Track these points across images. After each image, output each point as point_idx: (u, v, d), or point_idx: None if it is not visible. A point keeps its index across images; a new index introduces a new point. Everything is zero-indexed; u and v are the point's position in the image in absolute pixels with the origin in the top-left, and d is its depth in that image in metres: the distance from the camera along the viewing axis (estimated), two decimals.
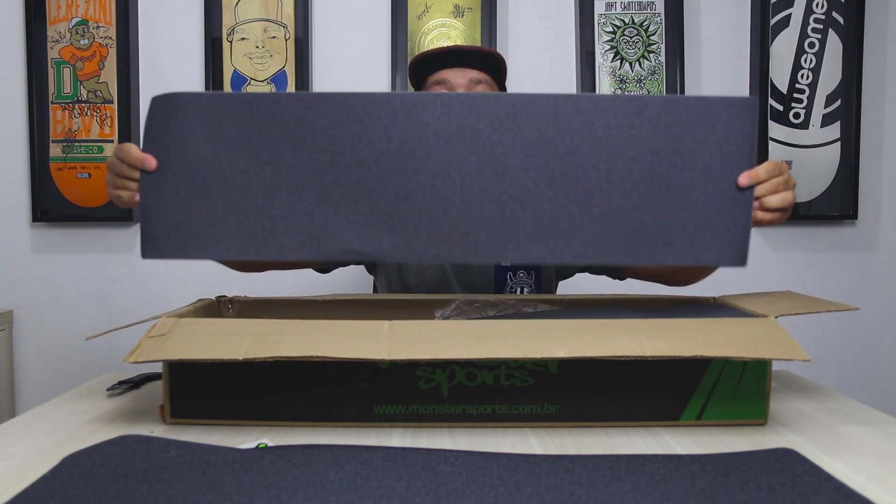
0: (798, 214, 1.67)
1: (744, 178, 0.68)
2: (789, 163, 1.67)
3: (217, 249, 0.69)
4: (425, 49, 1.64)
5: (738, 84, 1.69)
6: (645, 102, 0.68)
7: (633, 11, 1.67)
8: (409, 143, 0.68)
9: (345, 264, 1.10)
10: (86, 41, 1.62)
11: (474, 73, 1.03)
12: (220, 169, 0.69)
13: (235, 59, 1.65)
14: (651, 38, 1.67)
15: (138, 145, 0.70)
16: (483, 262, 0.70)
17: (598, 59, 1.67)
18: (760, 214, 0.70)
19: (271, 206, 0.69)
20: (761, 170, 0.68)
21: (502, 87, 1.09)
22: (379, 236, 0.69)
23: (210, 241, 0.69)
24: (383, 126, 0.68)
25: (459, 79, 1.03)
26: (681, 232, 0.69)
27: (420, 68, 1.06)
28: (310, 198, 0.69)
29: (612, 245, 0.69)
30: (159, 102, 0.69)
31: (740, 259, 0.70)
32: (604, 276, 1.09)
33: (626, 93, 1.67)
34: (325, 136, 0.68)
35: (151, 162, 0.69)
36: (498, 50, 1.65)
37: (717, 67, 1.70)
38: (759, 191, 0.69)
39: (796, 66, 1.67)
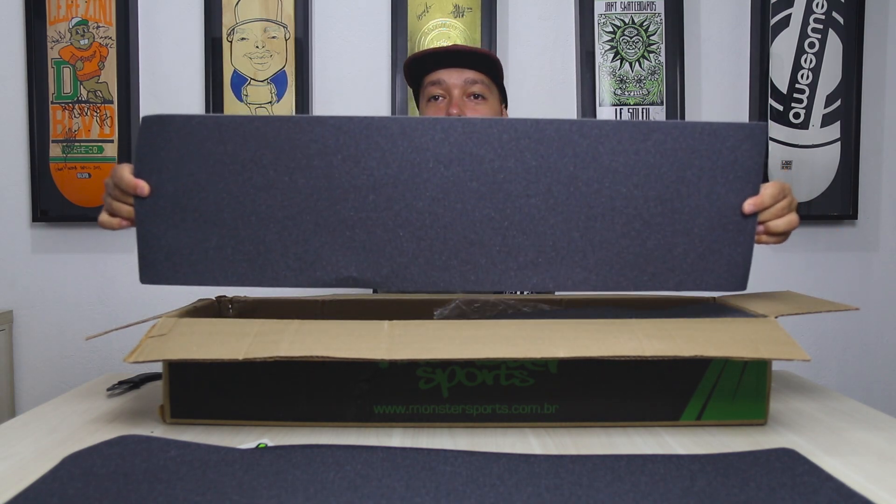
0: (798, 214, 1.67)
1: (749, 206, 0.67)
2: (789, 163, 1.67)
3: (214, 276, 0.69)
4: (424, 49, 1.64)
5: (738, 84, 1.69)
6: (651, 128, 0.67)
7: (633, 11, 1.67)
8: (407, 168, 0.67)
9: None
10: (86, 41, 1.62)
11: (470, 74, 1.02)
12: (213, 194, 0.68)
13: (235, 59, 1.65)
14: (651, 38, 1.67)
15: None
16: (483, 290, 0.69)
17: (598, 59, 1.67)
18: (765, 238, 0.71)
19: (266, 233, 0.68)
20: (766, 195, 0.68)
21: (500, 87, 1.09)
22: (377, 264, 0.68)
23: (206, 269, 0.69)
24: (381, 151, 0.66)
25: (455, 79, 1.02)
26: (683, 258, 0.69)
27: (416, 68, 1.06)
28: (306, 224, 0.68)
29: (615, 272, 0.69)
30: (150, 123, 0.67)
31: (740, 284, 0.70)
32: None
33: (628, 100, 1.67)
34: (320, 162, 0.67)
35: (144, 188, 0.67)
36: (498, 50, 1.65)
37: (717, 67, 1.70)
38: (763, 216, 0.69)
39: (796, 66, 1.67)
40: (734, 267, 0.70)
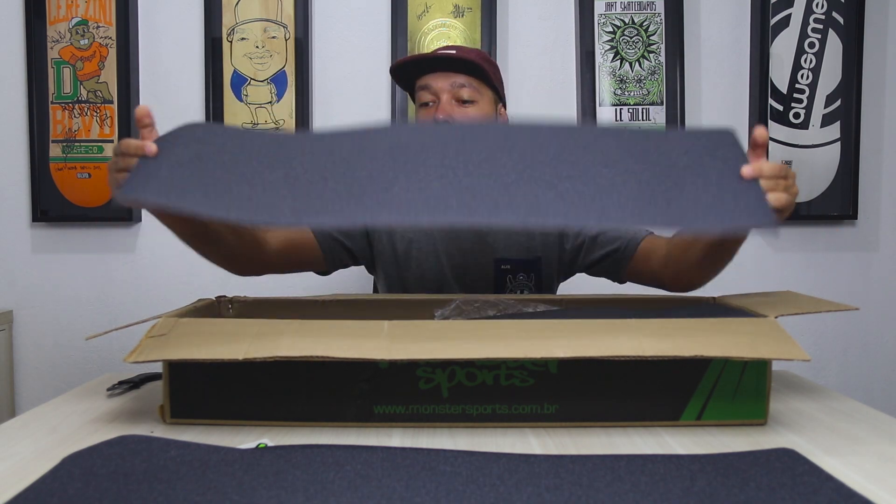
0: (798, 214, 1.67)
1: (747, 169, 0.66)
2: (789, 163, 1.67)
3: (195, 200, 0.63)
4: (424, 49, 1.64)
5: (738, 84, 1.69)
6: (646, 135, 0.70)
7: (633, 11, 1.67)
8: (416, 144, 0.68)
9: (345, 265, 1.10)
10: (86, 41, 1.62)
11: (458, 78, 1.02)
12: (223, 152, 0.68)
13: (235, 59, 1.65)
14: (651, 38, 1.67)
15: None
16: (489, 222, 0.62)
17: (598, 59, 1.67)
18: None
19: (272, 175, 0.66)
20: (766, 165, 0.67)
21: (494, 89, 1.08)
22: (388, 214, 0.63)
23: (190, 193, 0.64)
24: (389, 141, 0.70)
25: (442, 83, 1.03)
26: (706, 205, 0.64)
27: (407, 72, 1.06)
28: (312, 177, 0.66)
29: (637, 210, 0.63)
30: (188, 125, 0.71)
31: (771, 221, 0.64)
32: (603, 278, 1.09)
33: (628, 100, 1.67)
34: (335, 155, 0.69)
35: (152, 147, 0.67)
36: (498, 50, 1.65)
37: (717, 67, 1.70)
38: (763, 185, 0.67)
39: (796, 66, 1.67)
40: (757, 209, 0.65)
